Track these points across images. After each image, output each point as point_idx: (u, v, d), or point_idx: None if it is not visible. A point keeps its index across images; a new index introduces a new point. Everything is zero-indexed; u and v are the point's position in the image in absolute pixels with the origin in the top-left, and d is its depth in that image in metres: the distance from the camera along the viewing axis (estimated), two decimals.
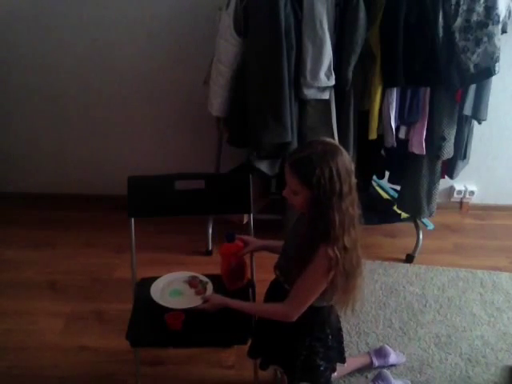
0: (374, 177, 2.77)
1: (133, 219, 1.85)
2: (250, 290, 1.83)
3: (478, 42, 2.11)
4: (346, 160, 1.36)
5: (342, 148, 1.39)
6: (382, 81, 2.19)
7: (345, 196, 1.35)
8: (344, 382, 1.99)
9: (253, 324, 1.71)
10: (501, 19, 2.11)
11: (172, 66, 2.79)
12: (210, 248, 2.73)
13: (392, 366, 2.07)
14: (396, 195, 2.78)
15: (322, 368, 1.61)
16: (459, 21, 2.10)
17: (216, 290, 1.75)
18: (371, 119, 2.25)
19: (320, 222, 1.38)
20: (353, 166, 1.38)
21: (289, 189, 1.43)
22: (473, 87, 2.26)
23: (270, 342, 1.66)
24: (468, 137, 2.47)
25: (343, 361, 1.75)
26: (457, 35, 2.12)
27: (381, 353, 2.08)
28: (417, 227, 2.79)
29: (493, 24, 2.09)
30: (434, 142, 2.32)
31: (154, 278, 1.83)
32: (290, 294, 1.47)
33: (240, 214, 2.39)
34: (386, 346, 2.11)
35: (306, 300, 1.45)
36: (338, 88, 2.21)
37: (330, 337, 1.62)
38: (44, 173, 3.15)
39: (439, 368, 2.09)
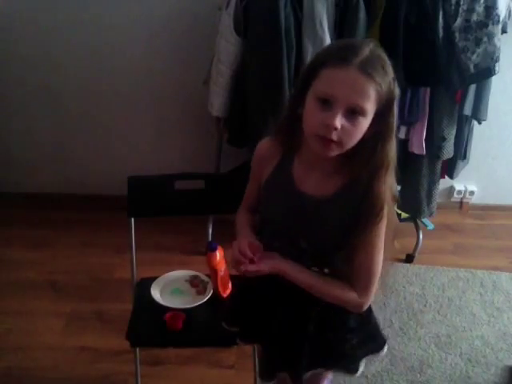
0: None
1: (133, 219, 1.84)
2: None
3: (478, 42, 2.11)
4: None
5: None
6: None
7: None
8: (344, 381, 1.99)
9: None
10: (501, 19, 2.11)
11: (172, 65, 2.79)
12: None
13: None
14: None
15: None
16: (459, 21, 2.10)
17: (215, 291, 1.74)
18: None
19: (373, 161, 1.07)
20: None
21: (349, 111, 1.02)
22: (473, 87, 2.26)
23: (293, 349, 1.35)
24: (468, 137, 2.47)
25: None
26: (457, 35, 2.12)
27: None
28: (417, 227, 2.79)
29: (493, 24, 2.09)
30: (434, 141, 2.32)
31: (154, 278, 1.83)
32: (359, 280, 1.18)
33: None
34: None
35: (376, 278, 1.19)
36: None
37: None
38: (44, 173, 3.15)
39: (439, 368, 2.09)
